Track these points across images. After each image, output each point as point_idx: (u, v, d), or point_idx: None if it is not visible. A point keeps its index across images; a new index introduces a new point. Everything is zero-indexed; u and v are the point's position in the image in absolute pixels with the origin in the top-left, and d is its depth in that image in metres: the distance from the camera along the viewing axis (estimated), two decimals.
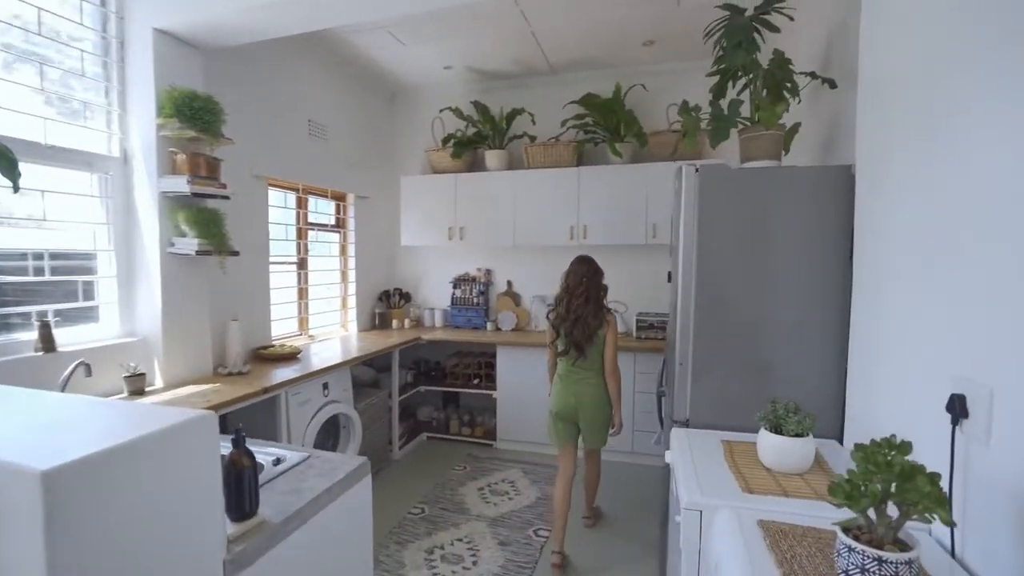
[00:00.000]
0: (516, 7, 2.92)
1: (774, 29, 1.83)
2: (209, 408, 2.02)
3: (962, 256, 1.15)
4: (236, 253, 2.50)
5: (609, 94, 3.70)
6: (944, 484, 0.94)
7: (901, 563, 0.90)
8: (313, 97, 3.52)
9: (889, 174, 1.49)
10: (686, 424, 2.02)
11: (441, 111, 4.06)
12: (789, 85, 2.00)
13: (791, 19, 1.87)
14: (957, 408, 1.11)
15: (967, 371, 1.11)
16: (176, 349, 2.40)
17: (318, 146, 3.58)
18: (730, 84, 2.14)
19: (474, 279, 4.38)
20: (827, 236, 1.85)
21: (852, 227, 1.77)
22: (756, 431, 1.83)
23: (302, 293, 3.60)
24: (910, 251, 1.37)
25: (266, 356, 2.95)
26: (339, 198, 3.98)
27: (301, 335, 3.57)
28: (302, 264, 3.60)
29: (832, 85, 1.86)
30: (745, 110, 2.05)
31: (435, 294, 4.54)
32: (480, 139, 4.03)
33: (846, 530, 1.00)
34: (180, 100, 2.22)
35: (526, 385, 3.77)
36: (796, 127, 2.09)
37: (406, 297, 4.48)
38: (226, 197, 2.46)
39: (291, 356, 3.00)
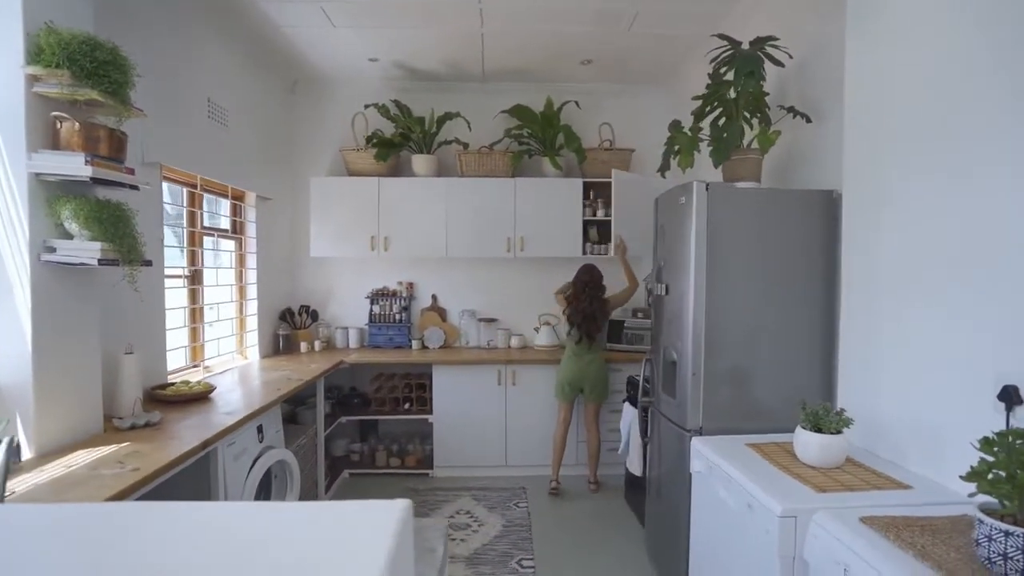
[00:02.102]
0: (477, 4, 2.76)
1: (777, 63, 2.03)
2: (142, 480, 1.46)
3: (990, 267, 1.40)
4: (149, 263, 1.86)
5: (538, 107, 3.73)
6: None
7: None
8: (213, 73, 2.85)
9: (889, 196, 1.74)
10: (699, 432, 2.08)
11: (366, 107, 3.63)
12: (758, 117, 2.24)
13: (791, 56, 2.10)
14: (1012, 396, 1.33)
15: (1014, 368, 1.33)
16: (54, 400, 1.67)
17: (219, 133, 2.89)
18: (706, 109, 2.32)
19: (394, 293, 3.99)
20: (811, 251, 2.10)
21: (834, 244, 2.05)
22: (765, 432, 1.99)
23: (196, 315, 2.85)
24: (922, 264, 1.61)
25: (167, 398, 2.25)
26: (237, 198, 3.27)
27: (197, 367, 2.82)
28: (195, 278, 2.85)
29: (807, 120, 2.13)
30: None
31: (348, 311, 4.01)
32: (404, 141, 3.71)
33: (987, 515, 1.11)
34: (75, 47, 1.58)
35: (465, 406, 3.54)
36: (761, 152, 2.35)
37: (313, 315, 3.87)
38: (134, 187, 1.82)
39: (202, 396, 2.34)
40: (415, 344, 3.88)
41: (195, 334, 2.85)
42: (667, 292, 2.29)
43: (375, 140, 3.62)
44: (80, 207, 1.63)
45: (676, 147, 2.25)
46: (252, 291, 3.39)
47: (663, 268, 2.36)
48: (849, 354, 1.96)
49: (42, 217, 1.63)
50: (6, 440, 0.91)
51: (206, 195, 2.98)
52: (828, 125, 2.11)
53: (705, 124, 2.30)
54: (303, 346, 3.68)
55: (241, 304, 3.32)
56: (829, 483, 1.57)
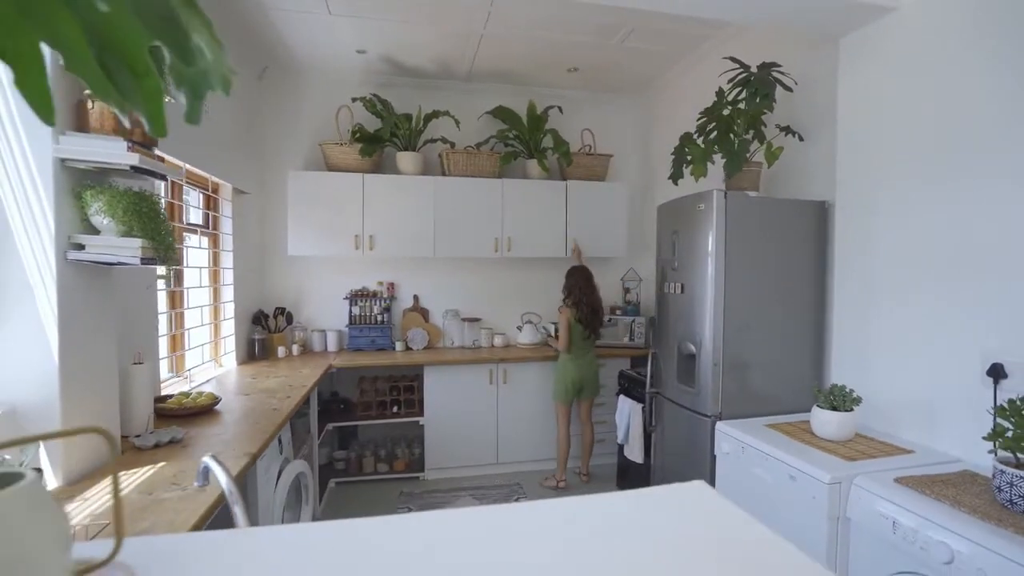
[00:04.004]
0: (488, 6, 2.78)
1: (787, 88, 2.28)
2: (217, 500, 1.36)
3: (975, 263, 1.71)
4: (178, 261, 1.68)
5: (519, 110, 3.81)
6: (989, 420, 1.42)
7: None
8: None
9: (878, 204, 2.05)
10: (719, 417, 2.28)
11: (354, 100, 3.47)
12: (751, 133, 2.51)
13: (795, 82, 2.37)
14: (999, 372, 1.64)
15: (1000, 349, 1.64)
16: (79, 419, 1.46)
17: (202, 119, 2.62)
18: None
19: (375, 294, 3.85)
20: (805, 253, 2.38)
21: (825, 247, 2.36)
22: (769, 414, 2.24)
23: (177, 320, 2.57)
24: (911, 262, 1.92)
25: (172, 411, 2.03)
26: (212, 191, 2.99)
27: (178, 377, 2.54)
28: (176, 278, 2.57)
29: (800, 138, 2.42)
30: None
31: (324, 313, 3.81)
32: (390, 137, 3.60)
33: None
34: None
35: (457, 406, 3.53)
36: (759, 165, 2.62)
37: (288, 318, 3.63)
38: (162, 177, 1.64)
39: (209, 408, 2.14)
40: (399, 346, 3.78)
41: (175, 342, 2.57)
42: (682, 291, 2.48)
43: (359, 135, 3.48)
44: (117, 199, 1.45)
45: (689, 157, 2.44)
46: (227, 292, 3.11)
47: (675, 269, 2.54)
48: (843, 343, 2.27)
49: (67, 209, 1.42)
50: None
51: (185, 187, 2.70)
52: (817, 143, 2.42)
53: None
54: (280, 351, 3.44)
55: (216, 308, 3.04)
56: (852, 453, 1.82)
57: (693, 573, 0.49)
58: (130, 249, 1.46)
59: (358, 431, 3.77)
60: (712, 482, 2.24)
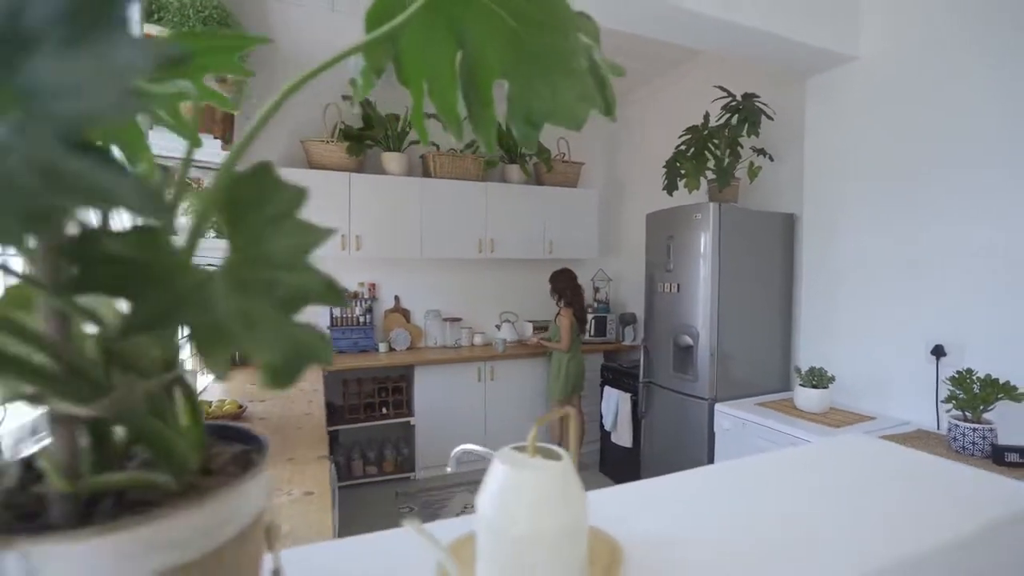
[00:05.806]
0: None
1: (769, 117, 2.66)
2: (327, 500, 1.40)
3: (921, 263, 2.18)
4: None
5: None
6: (932, 389, 1.87)
7: (995, 428, 1.75)
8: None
9: (839, 215, 2.49)
10: (715, 400, 2.62)
11: (344, 98, 3.39)
12: (728, 151, 2.90)
13: (774, 112, 2.76)
14: (940, 351, 2.11)
15: (940, 334, 2.11)
16: None
17: None
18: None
19: (356, 295, 3.79)
20: (776, 256, 2.80)
21: (792, 252, 2.79)
22: (748, 395, 2.62)
23: None
24: (867, 263, 2.37)
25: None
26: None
27: None
28: None
29: (771, 159, 2.83)
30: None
31: (301, 315, 3.65)
32: (381, 138, 3.58)
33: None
34: (210, 11, 1.37)
35: (447, 404, 3.60)
36: (739, 180, 3.01)
37: None
38: None
39: (238, 416, 2.06)
40: (382, 347, 3.75)
41: None
42: (677, 290, 2.79)
43: (345, 133, 3.41)
44: (199, 199, 1.40)
45: (682, 171, 2.75)
46: None
47: (670, 270, 2.84)
48: (809, 332, 2.71)
49: None
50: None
51: None
52: (786, 163, 2.85)
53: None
54: None
55: None
56: (834, 421, 2.21)
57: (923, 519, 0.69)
58: (218, 249, 1.41)
59: (339, 435, 3.68)
60: (711, 458, 2.57)
